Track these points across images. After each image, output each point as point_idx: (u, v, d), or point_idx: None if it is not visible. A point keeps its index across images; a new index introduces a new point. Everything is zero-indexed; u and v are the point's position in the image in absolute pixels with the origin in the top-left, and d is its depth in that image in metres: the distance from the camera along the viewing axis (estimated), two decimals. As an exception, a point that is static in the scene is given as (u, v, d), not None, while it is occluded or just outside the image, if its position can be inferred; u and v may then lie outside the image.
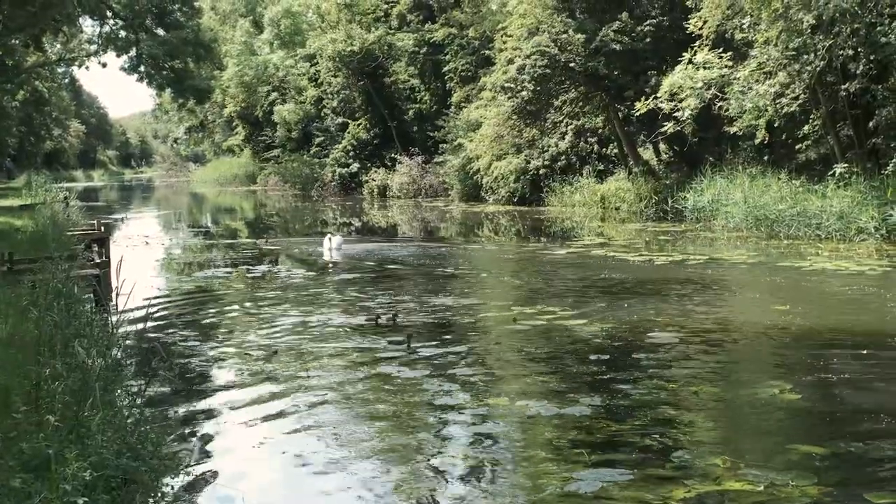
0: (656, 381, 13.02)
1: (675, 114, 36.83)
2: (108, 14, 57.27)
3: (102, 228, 27.55)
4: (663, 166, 47.73)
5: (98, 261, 21.85)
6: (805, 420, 11.43)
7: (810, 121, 34.18)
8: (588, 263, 26.95)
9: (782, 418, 11.47)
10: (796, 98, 32.75)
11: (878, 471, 9.51)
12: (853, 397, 12.17)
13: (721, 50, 36.59)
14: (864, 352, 14.60)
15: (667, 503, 8.75)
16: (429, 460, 10.34)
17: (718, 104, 36.16)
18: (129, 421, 9.63)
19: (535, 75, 44.22)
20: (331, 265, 29.17)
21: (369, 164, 76.22)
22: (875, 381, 13.03)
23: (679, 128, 37.55)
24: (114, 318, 14.93)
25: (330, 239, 32.46)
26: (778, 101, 33.08)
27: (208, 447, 11.03)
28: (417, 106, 74.61)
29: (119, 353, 13.18)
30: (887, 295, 20.05)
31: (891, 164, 30.35)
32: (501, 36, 52.20)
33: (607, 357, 14.73)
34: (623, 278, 23.91)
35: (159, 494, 8.72)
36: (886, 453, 9.97)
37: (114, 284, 17.88)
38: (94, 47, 62.11)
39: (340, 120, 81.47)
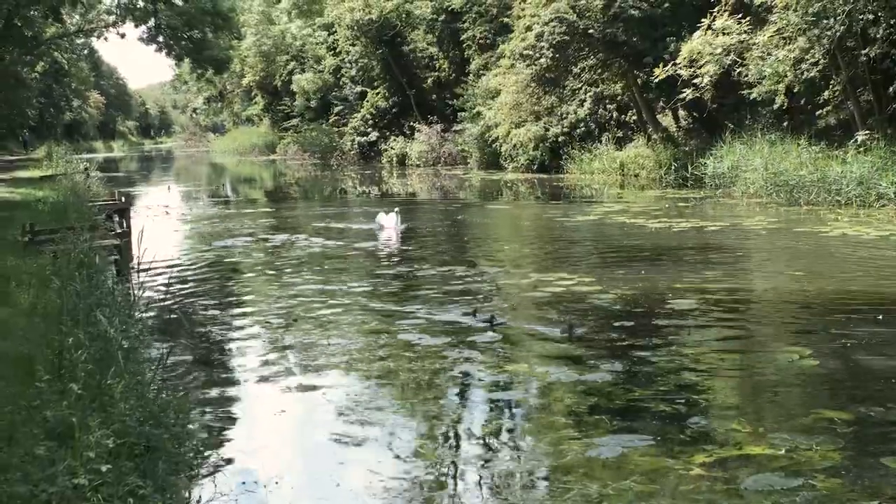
0: (675, 348, 13.05)
1: (695, 80, 36.69)
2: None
3: (123, 199, 27.64)
4: (682, 133, 47.58)
5: (119, 231, 21.93)
6: (824, 385, 11.44)
7: (830, 86, 33.98)
8: (607, 230, 26.97)
9: (801, 384, 11.48)
10: (816, 63, 32.53)
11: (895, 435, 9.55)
12: (872, 362, 12.16)
13: (740, 15, 36.42)
14: (883, 317, 14.59)
15: (688, 468, 8.78)
16: (450, 426, 10.39)
17: (738, 70, 36.00)
18: (151, 389, 9.70)
19: (554, 42, 44.01)
20: (395, 237, 27.50)
21: (388, 133, 76.20)
22: (893, 345, 13.01)
23: (698, 94, 37.39)
24: (135, 288, 15.00)
25: (396, 214, 28.48)
26: (798, 66, 32.89)
27: (229, 415, 11.10)
28: (436, 74, 74.44)
29: (141, 322, 13.25)
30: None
31: (911, 130, 30.23)
32: (519, 3, 52.04)
33: (627, 323, 14.75)
34: (642, 245, 23.90)
35: (181, 461, 8.78)
36: (906, 418, 10.01)
37: (135, 254, 18.02)
38: (112, 18, 62.02)
39: (359, 89, 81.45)
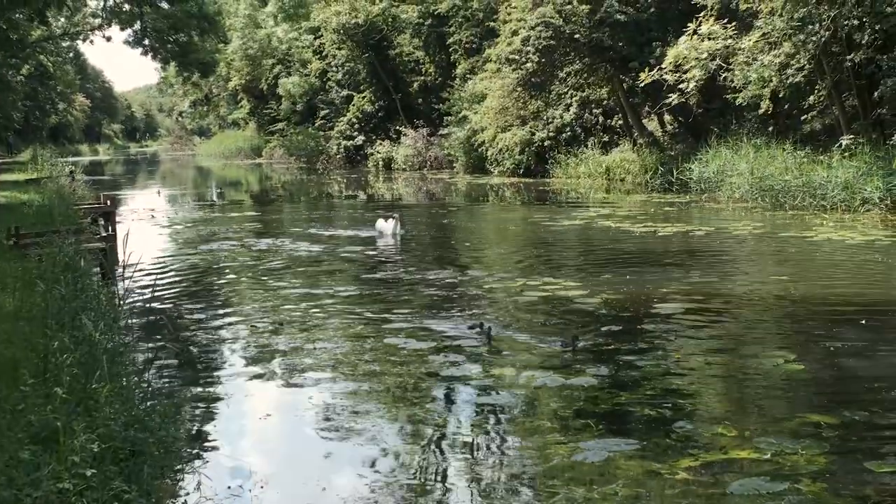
0: (661, 352, 13.06)
1: (680, 85, 36.74)
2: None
3: (108, 202, 27.58)
4: (668, 137, 47.66)
5: (104, 234, 21.88)
6: (809, 389, 11.47)
7: (815, 91, 34.06)
8: (593, 234, 27.00)
9: (787, 388, 11.50)
10: (801, 68, 32.64)
11: (882, 440, 9.54)
12: (856, 367, 12.19)
13: (726, 20, 36.49)
14: (868, 321, 14.64)
15: (673, 472, 8.79)
16: (436, 430, 10.38)
17: (723, 75, 36.06)
18: (136, 393, 9.68)
19: (540, 47, 44.03)
20: (393, 243, 27.07)
21: (374, 137, 76.14)
22: (878, 350, 13.04)
23: (684, 99, 37.46)
24: (120, 291, 14.99)
25: (395, 220, 28.01)
26: (783, 71, 32.99)
27: (216, 419, 11.09)
28: (422, 78, 74.45)
29: (126, 326, 13.23)
30: (891, 264, 20.10)
31: (896, 135, 30.34)
32: (506, 7, 52.05)
33: (612, 328, 14.76)
34: (628, 249, 23.94)
35: (166, 466, 8.76)
36: (891, 422, 10.02)
37: (120, 258, 17.98)
38: (98, 21, 61.94)
39: (345, 93, 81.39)
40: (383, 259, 24.07)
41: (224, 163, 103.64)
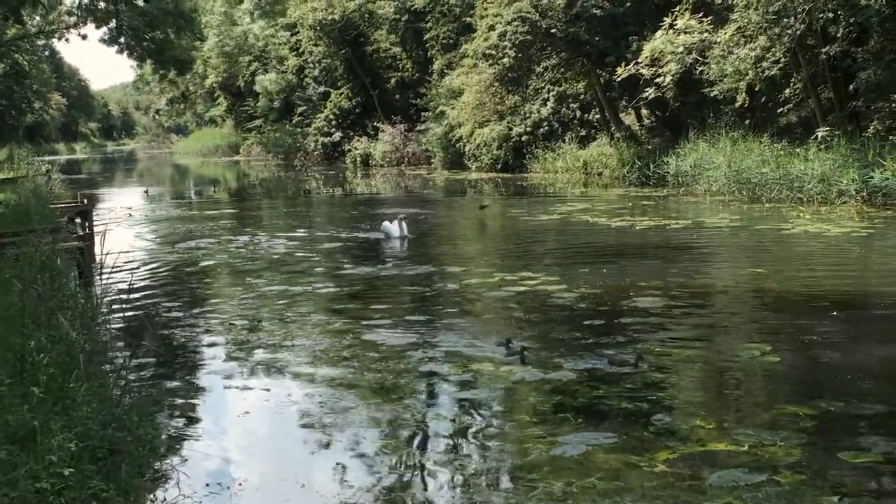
0: (639, 346, 13.07)
1: (657, 79, 36.83)
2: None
3: (85, 201, 27.46)
4: (645, 131, 47.71)
5: (81, 233, 21.80)
6: (785, 381, 11.51)
7: (791, 84, 34.19)
8: (570, 229, 27.03)
9: (763, 380, 11.56)
10: (777, 62, 32.78)
11: (858, 430, 9.58)
12: (832, 358, 12.24)
13: (701, 14, 36.59)
14: (844, 313, 14.72)
15: (652, 465, 8.81)
16: (415, 426, 10.39)
17: (699, 69, 36.16)
18: (114, 392, 9.65)
19: (517, 42, 44.07)
20: (391, 248, 25.93)
21: (352, 133, 76.15)
22: (853, 341, 13.16)
23: (661, 93, 37.57)
24: (98, 291, 14.94)
25: (400, 222, 26.95)
26: (759, 64, 33.11)
27: (194, 417, 11.07)
28: (399, 74, 74.43)
29: (103, 325, 13.19)
30: (867, 256, 20.19)
31: (871, 127, 30.45)
32: (482, 2, 52.08)
33: (590, 322, 14.77)
34: (605, 243, 24.00)
35: (145, 464, 8.75)
36: (866, 412, 10.06)
37: (98, 257, 17.92)
38: (73, 19, 61.72)
39: (322, 89, 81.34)
40: (361, 256, 24.02)
41: (202, 160, 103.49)
